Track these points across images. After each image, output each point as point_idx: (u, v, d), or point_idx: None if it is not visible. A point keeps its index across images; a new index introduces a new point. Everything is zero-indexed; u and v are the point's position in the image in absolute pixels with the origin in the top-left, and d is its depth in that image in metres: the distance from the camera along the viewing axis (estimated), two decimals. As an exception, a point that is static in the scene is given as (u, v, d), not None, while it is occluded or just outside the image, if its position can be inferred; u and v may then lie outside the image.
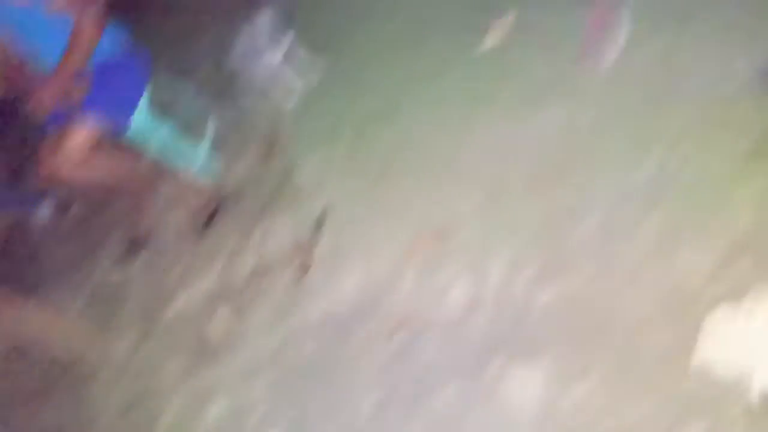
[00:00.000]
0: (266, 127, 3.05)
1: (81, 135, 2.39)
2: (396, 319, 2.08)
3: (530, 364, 1.77)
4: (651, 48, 2.22)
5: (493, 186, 2.21)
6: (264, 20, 2.74)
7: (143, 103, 2.61)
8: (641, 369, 1.63)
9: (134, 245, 2.94)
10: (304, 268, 2.44)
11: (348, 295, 2.25)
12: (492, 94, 2.43)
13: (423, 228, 2.26)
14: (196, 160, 2.93)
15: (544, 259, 1.96)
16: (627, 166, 1.99)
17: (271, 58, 2.91)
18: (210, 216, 2.85)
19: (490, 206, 2.18)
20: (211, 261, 2.68)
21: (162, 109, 2.91)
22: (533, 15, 2.53)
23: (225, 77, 3.33)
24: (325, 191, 2.63)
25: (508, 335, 1.86)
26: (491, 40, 2.59)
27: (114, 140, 2.53)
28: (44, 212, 3.35)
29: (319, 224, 2.54)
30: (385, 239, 2.32)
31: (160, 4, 4.08)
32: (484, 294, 1.99)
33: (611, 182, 1.99)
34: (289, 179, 2.79)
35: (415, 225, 2.29)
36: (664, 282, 1.73)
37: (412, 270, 2.18)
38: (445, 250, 2.16)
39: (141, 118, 2.61)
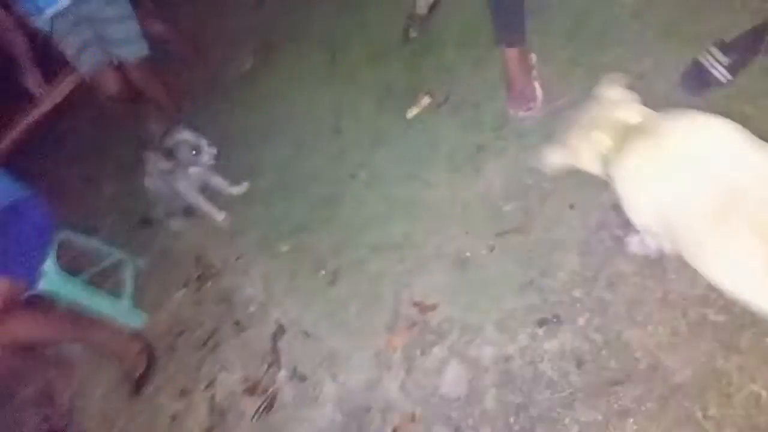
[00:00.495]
0: (195, 251, 2.75)
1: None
2: (394, 424, 1.73)
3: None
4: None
5: (458, 250, 2.00)
6: (180, 140, 2.54)
7: (49, 255, 2.29)
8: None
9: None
10: (268, 404, 2.06)
11: (329, 415, 1.88)
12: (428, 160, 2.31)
13: (395, 314, 1.98)
14: (118, 309, 2.55)
15: (536, 315, 1.72)
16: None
17: (190, 177, 2.67)
18: (144, 371, 2.42)
19: (459, 272, 1.95)
20: (153, 426, 2.23)
21: (71, 260, 2.58)
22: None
23: (139, 213, 3.07)
24: (275, 306, 2.32)
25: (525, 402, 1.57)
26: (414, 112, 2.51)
27: (20, 298, 2.14)
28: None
29: (274, 346, 2.19)
30: (355, 340, 2.01)
31: (62, 151, 3.89)
32: (485, 363, 1.71)
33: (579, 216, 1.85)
34: (230, 303, 2.47)
35: (386, 314, 2.00)
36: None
37: (395, 363, 1.87)
38: (425, 329, 1.88)
39: (49, 272, 2.27)
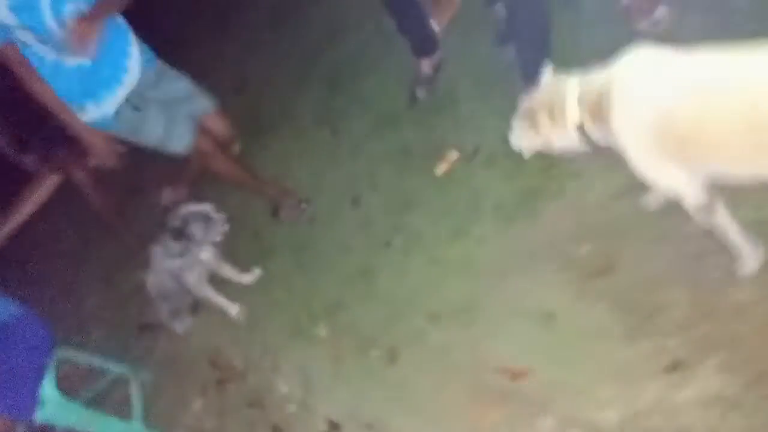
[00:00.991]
0: (208, 352, 2.41)
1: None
2: None
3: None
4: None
5: (538, 304, 1.78)
6: (189, 213, 2.30)
7: (47, 379, 1.94)
8: None
9: None
10: None
11: None
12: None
13: (479, 386, 1.71)
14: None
15: (659, 362, 1.50)
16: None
17: (201, 264, 2.39)
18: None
19: (547, 328, 1.73)
20: None
21: (67, 380, 2.20)
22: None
23: (135, 319, 2.71)
24: (320, 401, 2.00)
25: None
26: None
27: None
28: None
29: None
30: (435, 424, 1.71)
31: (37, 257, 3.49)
32: (611, 427, 1.45)
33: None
34: (262, 407, 2.12)
35: (467, 388, 1.73)
36: None
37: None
38: (523, 398, 1.62)
39: (48, 400, 1.91)
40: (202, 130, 2.35)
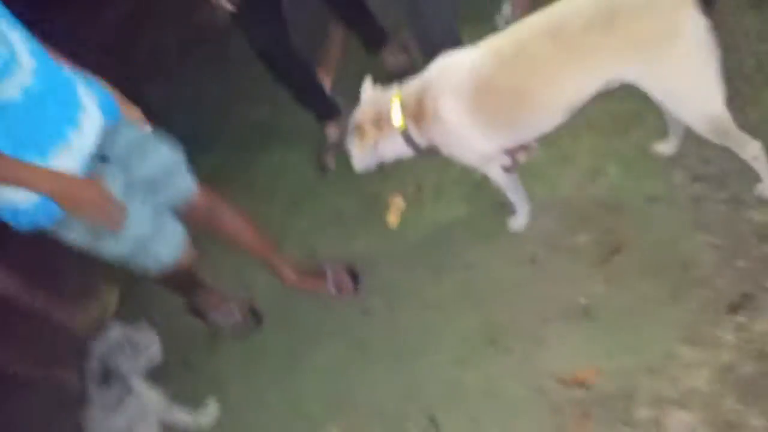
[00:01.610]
0: None
1: None
2: None
3: None
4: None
5: (568, 302, 1.70)
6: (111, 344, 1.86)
7: None
8: None
9: None
10: None
11: None
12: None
13: (551, 407, 1.55)
14: None
15: (720, 306, 1.49)
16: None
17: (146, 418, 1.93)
18: None
19: (588, 322, 1.64)
20: None
21: None
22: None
23: None
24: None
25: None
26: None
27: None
28: None
29: None
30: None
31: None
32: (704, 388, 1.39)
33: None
34: None
35: (538, 415, 1.56)
36: None
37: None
38: (605, 401, 1.49)
39: None
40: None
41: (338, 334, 2.03)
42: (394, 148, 1.80)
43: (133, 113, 1.71)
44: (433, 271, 1.99)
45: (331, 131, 2.54)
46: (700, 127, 1.50)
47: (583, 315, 1.66)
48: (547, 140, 1.85)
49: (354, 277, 2.12)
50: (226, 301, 2.19)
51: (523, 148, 1.98)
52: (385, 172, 2.34)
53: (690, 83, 1.44)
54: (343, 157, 2.12)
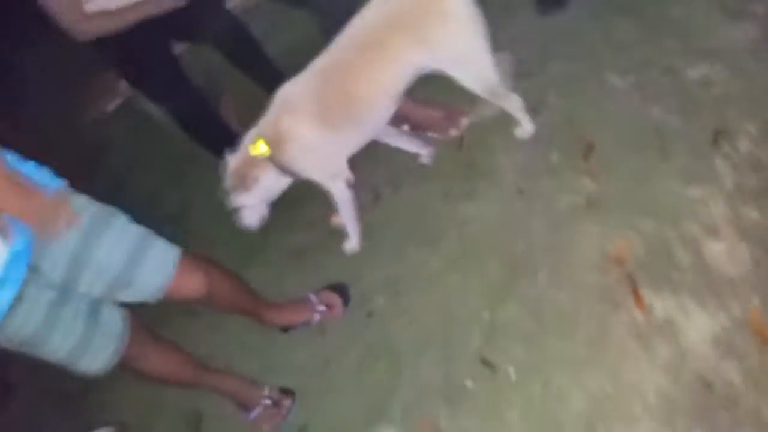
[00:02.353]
0: None
1: None
2: None
3: None
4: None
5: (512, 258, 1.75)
6: None
7: None
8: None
9: None
10: None
11: None
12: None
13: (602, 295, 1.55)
14: None
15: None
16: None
17: None
18: None
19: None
20: None
21: None
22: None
23: None
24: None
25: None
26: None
27: None
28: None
29: None
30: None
31: None
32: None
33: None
34: None
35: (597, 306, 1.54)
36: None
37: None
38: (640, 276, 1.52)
39: None
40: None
41: (350, 345, 1.91)
42: (274, 179, 1.92)
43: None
44: (428, 245, 1.98)
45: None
46: (478, 90, 1.82)
47: (588, 209, 1.73)
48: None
49: (342, 291, 2.01)
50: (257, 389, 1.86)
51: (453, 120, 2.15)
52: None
53: (466, 56, 1.76)
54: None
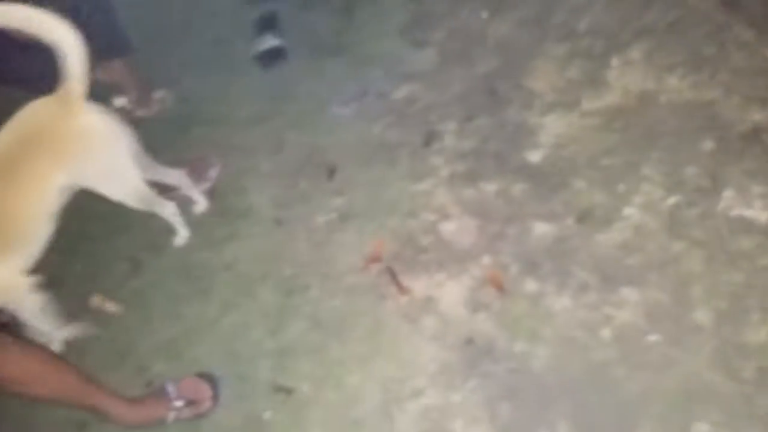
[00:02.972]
0: None
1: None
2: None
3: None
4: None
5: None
6: None
7: None
8: None
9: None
10: None
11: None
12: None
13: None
14: None
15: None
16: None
17: None
18: None
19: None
20: None
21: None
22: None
23: None
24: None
25: None
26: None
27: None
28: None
29: None
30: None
31: None
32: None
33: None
34: None
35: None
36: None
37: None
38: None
39: None
40: None
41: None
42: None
43: None
44: (200, 296, 1.92)
45: None
46: (130, 202, 1.82)
47: (342, 221, 1.88)
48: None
49: (210, 380, 1.72)
50: None
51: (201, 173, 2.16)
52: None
53: (107, 174, 1.74)
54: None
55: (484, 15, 2.08)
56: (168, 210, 1.94)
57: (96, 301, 2.01)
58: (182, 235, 2.02)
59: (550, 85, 1.87)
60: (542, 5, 2.02)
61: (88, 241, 2.18)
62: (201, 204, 2.09)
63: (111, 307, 1.99)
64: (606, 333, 1.47)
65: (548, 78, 1.88)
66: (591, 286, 1.53)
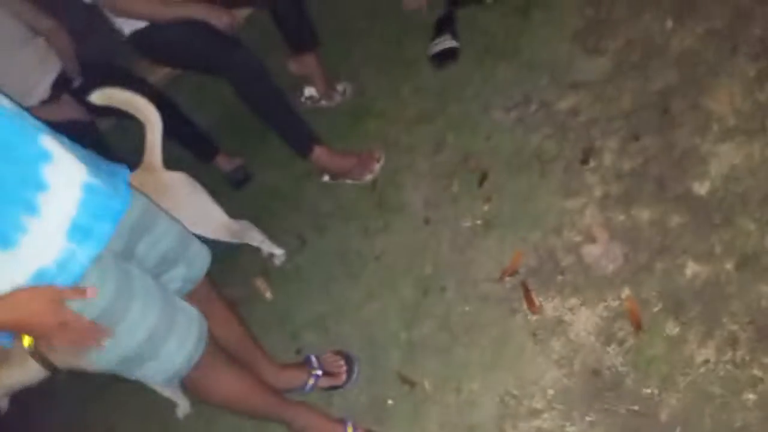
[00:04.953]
0: None
1: None
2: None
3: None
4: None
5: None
6: None
7: None
8: None
9: None
10: None
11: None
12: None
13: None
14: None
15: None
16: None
17: None
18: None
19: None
20: None
21: None
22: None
23: None
24: None
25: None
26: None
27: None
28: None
29: None
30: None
31: None
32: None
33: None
34: None
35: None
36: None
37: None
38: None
39: None
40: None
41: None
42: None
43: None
44: (350, 279, 2.11)
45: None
46: (224, 238, 2.03)
47: (485, 228, 1.91)
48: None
49: (348, 358, 1.88)
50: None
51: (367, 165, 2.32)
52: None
53: (198, 217, 1.90)
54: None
55: (669, 24, 1.90)
56: (257, 238, 2.20)
57: (259, 282, 2.31)
58: (278, 253, 2.28)
59: (732, 109, 1.67)
60: (736, 15, 1.79)
61: (267, 215, 2.49)
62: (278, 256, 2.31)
63: (267, 292, 2.27)
64: (749, 397, 1.32)
65: (732, 100, 1.68)
66: (741, 342, 1.38)
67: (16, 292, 1.13)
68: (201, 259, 1.53)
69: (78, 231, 1.15)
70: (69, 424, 2.44)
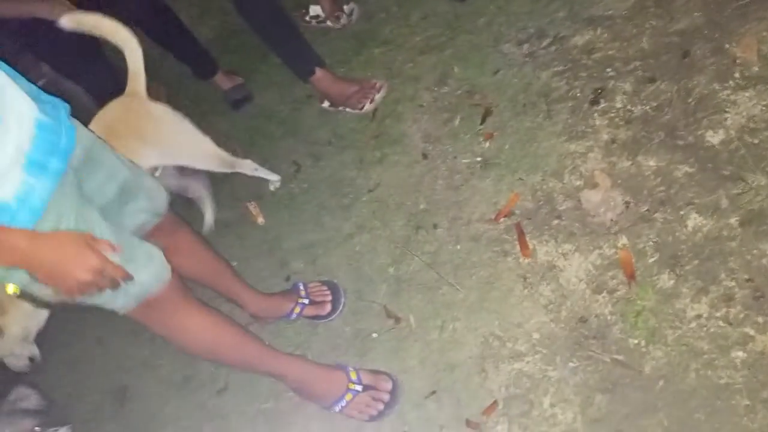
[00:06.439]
0: None
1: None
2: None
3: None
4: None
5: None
6: None
7: None
8: None
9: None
10: None
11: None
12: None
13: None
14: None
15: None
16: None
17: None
18: None
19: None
20: None
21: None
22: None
23: None
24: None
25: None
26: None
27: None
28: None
29: None
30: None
31: None
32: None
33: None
34: None
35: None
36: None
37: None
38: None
39: None
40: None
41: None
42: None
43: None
44: (342, 210, 2.05)
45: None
46: (213, 167, 1.96)
47: (483, 167, 1.83)
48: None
49: (334, 289, 1.85)
50: None
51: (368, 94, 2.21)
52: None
53: (186, 146, 1.87)
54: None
55: (702, -42, 1.76)
56: (248, 167, 2.08)
57: (252, 206, 2.25)
58: (274, 179, 2.20)
59: (758, 56, 1.56)
60: (772, -44, 1.65)
61: (263, 139, 2.41)
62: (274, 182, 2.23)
63: (260, 218, 2.21)
64: (738, 354, 1.29)
65: (759, 47, 1.57)
66: (736, 300, 1.34)
67: (57, 232, 1.09)
68: (160, 192, 1.49)
69: (34, 165, 1.09)
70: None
